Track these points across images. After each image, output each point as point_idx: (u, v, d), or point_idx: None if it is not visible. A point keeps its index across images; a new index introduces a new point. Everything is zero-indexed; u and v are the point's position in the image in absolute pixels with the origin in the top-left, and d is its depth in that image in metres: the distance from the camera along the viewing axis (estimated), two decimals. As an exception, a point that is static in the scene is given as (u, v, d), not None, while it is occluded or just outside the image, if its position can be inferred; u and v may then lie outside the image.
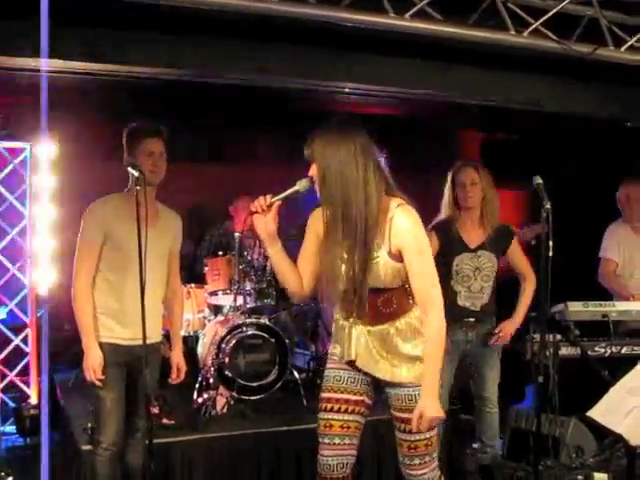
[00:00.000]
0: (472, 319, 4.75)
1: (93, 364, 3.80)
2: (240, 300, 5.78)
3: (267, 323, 5.56)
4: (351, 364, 3.25)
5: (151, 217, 3.76)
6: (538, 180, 4.03)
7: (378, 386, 3.30)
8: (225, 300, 6.06)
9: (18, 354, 6.26)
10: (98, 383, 3.82)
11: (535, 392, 4.72)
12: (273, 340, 5.45)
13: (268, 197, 3.09)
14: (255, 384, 5.38)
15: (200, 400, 5.23)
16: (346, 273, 3.10)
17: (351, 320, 3.21)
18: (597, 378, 5.69)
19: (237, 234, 6.15)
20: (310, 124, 6.41)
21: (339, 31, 4.68)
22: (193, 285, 6.13)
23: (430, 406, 3.04)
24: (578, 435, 5.39)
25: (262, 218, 3.11)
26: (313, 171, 3.06)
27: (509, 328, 4.81)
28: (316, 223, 3.19)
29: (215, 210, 7.04)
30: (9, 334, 6.21)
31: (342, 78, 5.32)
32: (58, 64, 4.59)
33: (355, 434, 3.29)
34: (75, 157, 6.33)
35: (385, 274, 3.10)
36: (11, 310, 6.28)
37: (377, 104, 6.33)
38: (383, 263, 3.08)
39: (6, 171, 6.20)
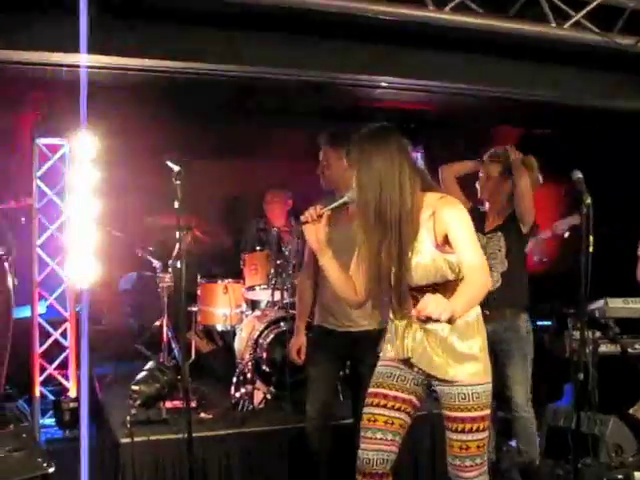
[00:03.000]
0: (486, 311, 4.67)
1: (292, 345, 4.46)
2: (277, 295, 5.79)
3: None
4: (405, 362, 3.24)
5: (349, 216, 3.80)
6: (578, 175, 3.98)
7: (430, 385, 3.30)
8: (262, 295, 6.07)
9: (57, 348, 6.32)
10: (298, 361, 4.43)
11: (574, 390, 4.67)
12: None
13: (318, 207, 3.11)
14: (292, 379, 5.38)
15: (237, 395, 5.25)
16: (393, 274, 3.11)
17: (406, 319, 3.21)
18: (637, 376, 5.64)
19: (275, 229, 6.17)
20: (344, 119, 6.43)
21: (376, 25, 4.66)
22: (231, 280, 6.14)
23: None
24: (618, 433, 5.33)
25: (312, 228, 3.15)
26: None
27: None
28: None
29: (253, 206, 7.05)
30: (49, 328, 6.27)
31: (378, 72, 5.30)
32: (98, 59, 4.62)
33: (399, 431, 3.26)
34: (114, 153, 6.37)
35: (433, 269, 3.09)
36: (50, 304, 6.35)
37: (413, 99, 6.30)
38: (430, 258, 3.07)
39: (46, 167, 6.26)
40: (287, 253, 5.86)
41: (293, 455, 4.79)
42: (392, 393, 3.25)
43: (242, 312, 6.10)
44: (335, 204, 3.12)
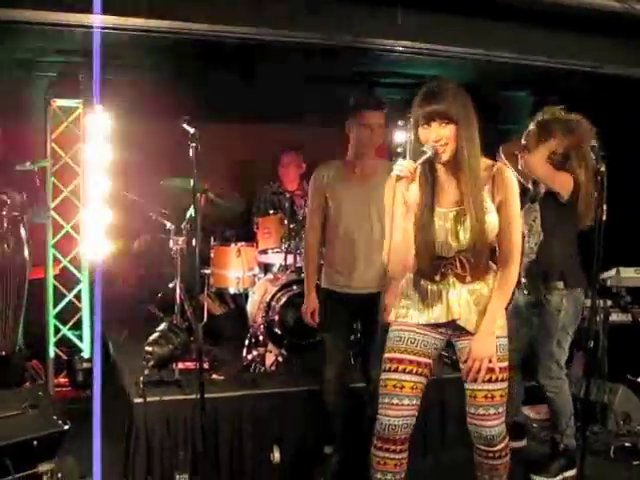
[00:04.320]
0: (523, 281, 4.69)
1: (307, 308, 4.49)
2: (290, 259, 5.82)
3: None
4: (431, 326, 3.30)
5: (363, 178, 4.32)
6: (593, 143, 3.96)
7: (449, 343, 3.39)
8: (275, 258, 6.10)
9: (71, 309, 6.38)
10: (313, 324, 4.46)
11: (584, 358, 4.68)
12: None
13: (411, 162, 3.02)
14: (304, 342, 5.42)
15: (249, 357, 5.30)
16: (462, 235, 3.15)
17: (445, 282, 3.26)
18: (647, 345, 5.65)
19: (288, 193, 6.17)
20: (356, 84, 6.38)
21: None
22: (244, 243, 6.16)
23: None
24: (626, 402, 5.37)
25: (407, 184, 3.03)
26: (441, 133, 3.05)
27: None
28: (400, 191, 3.07)
29: (266, 169, 7.05)
30: (63, 290, 6.32)
31: (392, 36, 5.25)
32: (112, 20, 4.60)
33: (420, 396, 3.34)
34: (128, 116, 6.38)
35: (493, 228, 3.16)
36: (65, 266, 6.39)
37: (426, 64, 6.24)
38: (492, 217, 3.15)
39: (60, 129, 6.26)
40: (300, 217, 5.88)
41: (304, 417, 4.85)
42: (416, 359, 3.30)
43: (255, 275, 6.12)
44: (423, 159, 3.03)
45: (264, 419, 4.75)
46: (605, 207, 3.88)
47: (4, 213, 5.00)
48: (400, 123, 7.37)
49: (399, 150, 7.42)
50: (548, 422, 5.01)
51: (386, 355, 3.36)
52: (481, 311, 3.25)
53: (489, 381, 3.25)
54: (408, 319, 3.33)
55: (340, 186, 4.36)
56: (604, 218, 3.89)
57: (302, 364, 5.38)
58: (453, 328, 3.32)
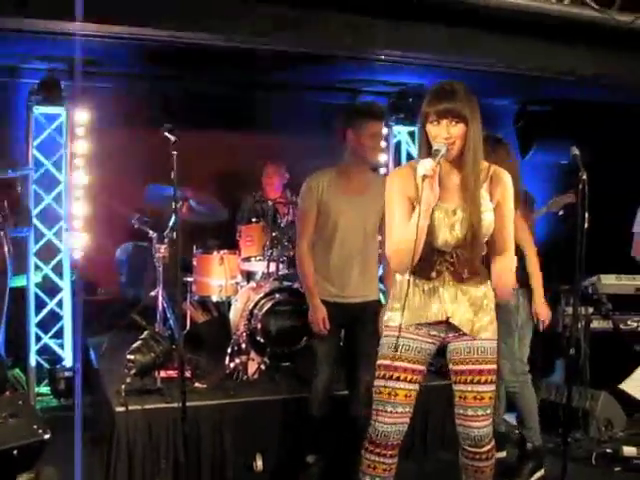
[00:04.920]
0: None
1: (317, 318, 4.35)
2: (272, 267, 5.81)
3: (299, 289, 5.58)
4: (423, 328, 3.31)
5: (360, 188, 4.34)
6: (575, 151, 3.98)
7: (442, 347, 3.40)
8: (258, 266, 6.08)
9: (53, 317, 6.34)
10: (323, 332, 4.36)
11: (566, 365, 4.71)
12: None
13: (431, 160, 3.04)
14: (286, 350, 5.42)
15: (232, 365, 5.28)
16: (458, 230, 3.20)
17: (440, 280, 3.28)
18: (628, 352, 5.69)
19: (271, 201, 6.18)
20: (342, 92, 6.39)
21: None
22: (226, 251, 6.15)
23: None
24: (608, 408, 5.40)
25: (431, 182, 3.05)
26: (452, 131, 3.10)
27: None
28: (405, 187, 3.20)
29: (249, 178, 7.06)
30: (44, 298, 6.29)
31: (378, 45, 5.28)
32: (93, 27, 4.60)
33: (413, 403, 3.35)
34: (110, 123, 6.37)
35: (489, 225, 3.21)
36: (46, 274, 6.36)
37: (410, 72, 6.28)
38: (489, 215, 3.21)
39: (42, 136, 6.24)
40: (283, 225, 5.89)
41: (287, 425, 4.83)
42: (410, 366, 3.31)
43: (237, 283, 6.11)
44: (439, 157, 3.05)
45: (246, 427, 4.74)
46: (587, 215, 3.90)
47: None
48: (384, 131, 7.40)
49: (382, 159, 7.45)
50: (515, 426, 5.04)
51: (380, 362, 3.36)
52: (476, 312, 3.29)
53: (478, 383, 3.29)
54: (403, 322, 3.30)
55: (335, 196, 4.34)
56: (586, 226, 3.91)
57: (284, 372, 5.37)
58: (446, 330, 3.32)
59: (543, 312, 4.58)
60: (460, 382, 3.34)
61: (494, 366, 3.34)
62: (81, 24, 4.23)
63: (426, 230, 3.11)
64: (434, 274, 3.28)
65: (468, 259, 3.25)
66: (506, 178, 3.26)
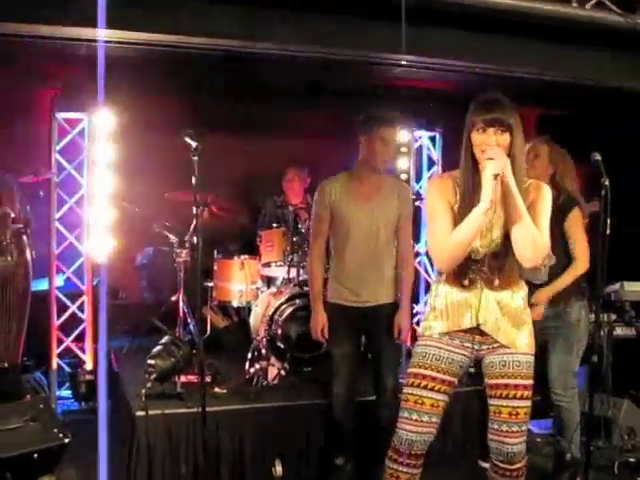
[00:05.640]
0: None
1: (316, 325, 4.44)
2: (293, 272, 5.81)
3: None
4: (456, 338, 3.31)
5: (372, 193, 4.37)
6: (597, 157, 3.95)
7: (476, 360, 3.40)
8: (278, 272, 6.08)
9: (74, 321, 6.37)
10: (322, 339, 4.45)
11: (588, 372, 4.67)
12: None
13: (506, 161, 3.09)
14: (306, 355, 5.42)
15: (252, 370, 5.28)
16: (492, 237, 3.24)
17: (473, 287, 3.28)
18: (652, 359, 5.63)
19: (291, 207, 6.18)
20: (361, 98, 6.40)
21: (394, 3, 4.64)
22: (247, 256, 6.17)
23: None
24: (631, 416, 5.35)
25: (496, 183, 3.12)
26: (499, 139, 3.13)
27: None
28: (446, 192, 3.28)
29: (270, 183, 7.06)
30: (66, 301, 6.32)
31: (397, 50, 5.27)
32: (115, 34, 4.62)
33: (440, 414, 3.33)
34: (132, 128, 6.40)
35: None
36: (68, 278, 6.39)
37: (432, 78, 6.26)
38: None
39: (65, 141, 6.28)
40: (303, 230, 5.89)
41: (307, 431, 4.84)
42: (439, 376, 3.30)
43: (258, 288, 6.13)
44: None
45: (266, 433, 4.74)
46: (609, 221, 3.88)
47: (7, 225, 5.00)
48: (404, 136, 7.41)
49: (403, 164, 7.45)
50: (552, 437, 4.99)
51: (410, 370, 3.37)
52: (509, 322, 3.28)
53: (514, 397, 3.26)
54: (435, 331, 3.33)
55: (347, 200, 4.38)
56: (608, 232, 3.89)
57: (305, 378, 5.37)
58: (480, 342, 3.31)
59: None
60: (495, 396, 3.32)
61: (530, 381, 3.30)
62: (105, 31, 4.26)
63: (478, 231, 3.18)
64: (467, 282, 3.29)
65: (501, 267, 3.26)
66: (544, 190, 3.27)
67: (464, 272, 3.28)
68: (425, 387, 3.29)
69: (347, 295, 4.42)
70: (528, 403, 3.30)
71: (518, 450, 3.30)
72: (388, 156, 4.41)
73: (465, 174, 3.24)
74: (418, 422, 3.28)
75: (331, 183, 4.45)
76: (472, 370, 4.56)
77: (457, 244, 3.16)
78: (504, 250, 3.23)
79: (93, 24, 4.16)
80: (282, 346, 5.43)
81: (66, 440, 3.83)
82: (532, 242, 3.14)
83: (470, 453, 5.09)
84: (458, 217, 3.21)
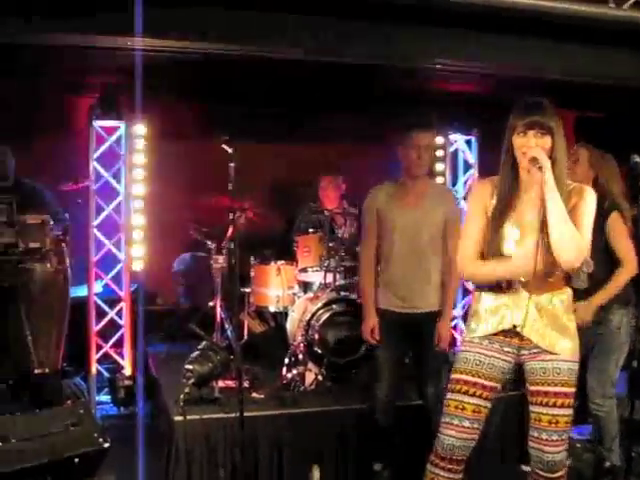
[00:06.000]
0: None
1: (366, 327, 4.47)
2: (330, 277, 5.82)
3: (356, 300, 5.57)
4: (497, 343, 3.30)
5: (415, 200, 4.39)
6: (637, 159, 3.91)
7: (518, 365, 3.37)
8: (315, 277, 6.08)
9: (113, 326, 6.43)
10: (372, 341, 4.48)
11: (629, 377, 4.60)
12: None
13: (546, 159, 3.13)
14: (344, 361, 5.41)
15: (289, 376, 5.29)
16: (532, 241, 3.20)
17: (512, 291, 3.28)
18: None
19: (327, 212, 6.19)
20: (396, 102, 6.38)
21: (425, 7, 4.64)
22: (283, 262, 6.18)
23: None
24: (674, 422, 5.25)
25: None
26: (539, 142, 3.15)
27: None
28: (483, 196, 3.33)
29: (306, 189, 7.07)
30: (104, 307, 6.38)
31: (432, 55, 5.26)
32: (152, 42, 4.66)
33: (482, 419, 3.32)
34: (168, 135, 6.45)
35: None
36: (106, 284, 6.45)
37: (466, 81, 6.24)
38: None
39: (102, 149, 6.34)
40: (340, 235, 5.89)
41: (344, 436, 4.83)
42: (480, 381, 3.29)
43: (294, 294, 6.13)
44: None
45: (304, 438, 4.75)
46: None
47: (47, 232, 5.06)
48: (439, 140, 7.38)
49: (439, 167, 7.42)
50: (591, 443, 4.92)
51: (452, 375, 3.37)
52: (549, 326, 3.25)
53: (554, 406, 3.23)
54: (475, 334, 3.35)
55: (393, 208, 4.43)
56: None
57: (342, 383, 5.36)
58: (519, 347, 3.30)
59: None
60: (535, 404, 3.29)
61: (571, 389, 3.26)
62: (141, 39, 4.30)
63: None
64: (505, 284, 3.29)
65: (541, 272, 3.21)
66: (587, 193, 3.24)
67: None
68: (466, 392, 3.28)
69: (394, 301, 4.43)
70: (569, 412, 3.27)
71: (558, 459, 3.26)
72: (420, 161, 4.38)
73: (504, 176, 3.27)
74: (460, 427, 3.27)
75: (378, 190, 4.51)
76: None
77: (485, 275, 3.32)
78: (542, 252, 3.18)
79: (129, 33, 4.20)
80: (319, 351, 5.43)
81: (106, 445, 3.85)
82: (571, 244, 3.12)
83: (509, 457, 5.05)
84: (492, 219, 3.26)
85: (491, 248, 3.26)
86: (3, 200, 5.14)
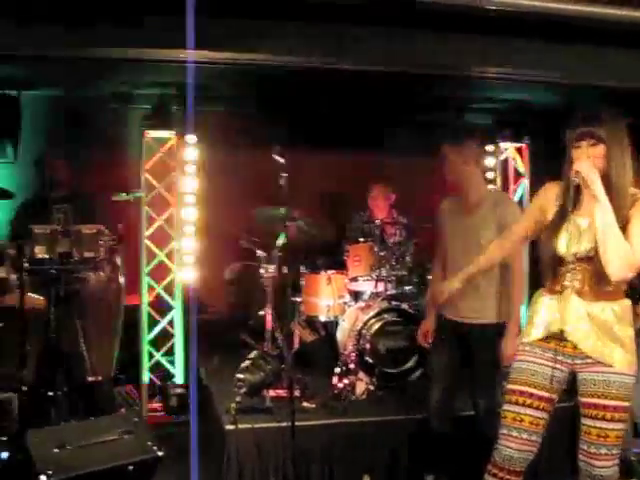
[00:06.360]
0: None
1: (421, 330, 4.62)
2: (380, 286, 5.80)
3: (408, 310, 5.56)
4: (550, 350, 3.27)
5: (470, 209, 4.39)
6: None
7: (571, 375, 3.34)
8: (365, 286, 6.09)
9: (165, 335, 6.48)
10: (424, 345, 4.60)
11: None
12: (413, 327, 5.43)
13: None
14: (395, 370, 5.39)
15: (340, 385, 5.28)
16: (585, 244, 3.22)
17: (564, 295, 3.27)
18: None
19: (378, 221, 6.18)
20: (445, 113, 6.33)
21: (477, 15, 4.61)
22: (334, 271, 6.17)
23: None
24: None
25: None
26: (590, 152, 3.19)
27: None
28: (545, 199, 3.40)
29: (355, 198, 7.07)
30: (156, 316, 6.43)
31: (483, 63, 5.23)
32: (204, 54, 4.70)
33: (541, 432, 3.30)
34: (220, 146, 6.50)
35: None
36: (158, 293, 6.51)
37: (524, 90, 6.19)
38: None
39: (154, 160, 6.40)
40: (390, 244, 5.87)
41: (395, 446, 4.81)
42: (537, 392, 3.28)
43: (345, 303, 6.12)
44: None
45: (355, 448, 4.74)
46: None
47: (101, 242, 5.13)
48: (489, 148, 7.33)
49: (489, 176, 7.36)
50: None
51: (508, 385, 3.37)
52: (601, 335, 3.21)
53: (603, 419, 3.19)
54: (528, 338, 3.35)
55: (449, 218, 4.50)
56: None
57: (393, 393, 5.34)
58: (572, 356, 3.26)
59: None
60: (585, 416, 3.26)
61: (622, 403, 3.20)
62: (193, 51, 4.33)
63: None
64: (559, 288, 3.28)
65: (594, 276, 3.21)
66: None
67: (558, 279, 3.29)
68: (523, 404, 3.27)
69: (449, 309, 4.41)
70: (620, 426, 3.21)
71: (607, 474, 3.22)
72: (448, 175, 4.41)
73: (565, 186, 3.29)
74: (518, 439, 3.26)
75: (444, 202, 4.60)
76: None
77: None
78: (597, 260, 3.19)
79: (182, 45, 4.24)
80: (370, 361, 5.42)
81: (160, 453, 3.88)
82: (615, 256, 3.10)
83: (561, 470, 4.98)
84: (551, 223, 3.30)
85: (547, 250, 3.29)
86: (59, 210, 5.24)
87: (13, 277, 5.25)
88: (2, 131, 6.23)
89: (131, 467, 3.74)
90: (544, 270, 3.36)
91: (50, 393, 4.96)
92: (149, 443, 3.92)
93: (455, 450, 4.53)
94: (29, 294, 4.73)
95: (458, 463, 4.48)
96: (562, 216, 3.25)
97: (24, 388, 4.75)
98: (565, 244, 3.23)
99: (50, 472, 3.50)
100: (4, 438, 4.22)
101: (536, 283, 3.56)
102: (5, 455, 4.08)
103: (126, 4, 4.34)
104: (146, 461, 3.83)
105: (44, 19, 4.31)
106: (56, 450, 3.63)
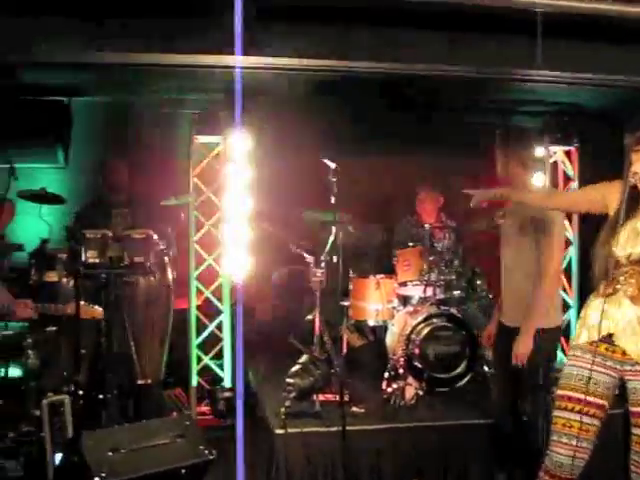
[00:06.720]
0: None
1: (485, 333, 4.65)
2: (429, 291, 5.78)
3: (456, 314, 5.53)
4: (598, 355, 3.24)
5: (515, 208, 4.32)
6: None
7: (621, 383, 3.29)
8: (414, 291, 6.07)
9: (213, 339, 6.51)
10: (486, 345, 4.79)
11: None
12: (463, 332, 5.42)
13: None
14: (444, 376, 5.36)
15: (389, 390, 5.27)
16: (637, 240, 3.21)
17: (616, 297, 3.24)
18: None
19: (427, 225, 6.15)
20: (495, 114, 6.26)
21: (526, 18, 4.58)
22: (383, 275, 6.16)
23: None
24: None
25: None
26: None
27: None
28: (608, 191, 3.40)
29: (404, 203, 7.05)
30: (205, 320, 6.47)
31: (531, 65, 5.18)
32: (252, 60, 4.72)
33: (592, 438, 3.27)
34: (268, 150, 6.51)
35: None
36: (207, 297, 6.55)
37: (574, 93, 6.13)
38: None
39: (202, 165, 6.45)
40: (439, 249, 5.84)
41: (444, 451, 4.78)
42: (585, 398, 3.24)
43: (394, 307, 6.10)
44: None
45: (404, 453, 4.73)
46: None
47: (151, 247, 5.18)
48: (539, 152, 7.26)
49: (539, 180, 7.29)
50: None
51: (557, 391, 3.36)
52: None
53: None
54: (578, 340, 3.34)
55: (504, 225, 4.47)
56: None
57: (442, 398, 5.31)
58: (621, 362, 3.22)
59: None
60: (636, 425, 3.21)
61: None
62: (242, 57, 4.36)
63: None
64: (611, 290, 3.24)
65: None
66: None
67: (611, 282, 3.25)
68: (572, 410, 3.24)
69: (503, 314, 4.42)
70: None
71: None
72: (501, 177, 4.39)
73: (624, 190, 3.26)
74: (568, 445, 3.23)
75: (500, 211, 4.56)
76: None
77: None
78: None
79: (231, 51, 4.26)
80: (420, 366, 5.40)
81: (211, 457, 3.91)
82: None
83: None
84: (608, 224, 3.30)
85: (604, 249, 3.26)
86: (118, 214, 5.32)
87: (64, 281, 5.35)
88: (53, 137, 6.33)
89: (183, 470, 3.77)
90: (597, 273, 3.32)
91: (100, 396, 5.02)
92: (201, 447, 3.94)
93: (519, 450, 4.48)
94: (83, 303, 4.77)
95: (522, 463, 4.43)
96: (619, 217, 3.21)
97: (80, 392, 4.82)
98: (620, 246, 3.20)
99: (104, 474, 3.54)
100: (59, 441, 4.27)
101: (587, 287, 3.53)
102: (60, 457, 4.14)
103: (177, 10, 4.38)
104: (198, 464, 3.86)
105: (96, 26, 4.37)
106: (110, 453, 3.66)
